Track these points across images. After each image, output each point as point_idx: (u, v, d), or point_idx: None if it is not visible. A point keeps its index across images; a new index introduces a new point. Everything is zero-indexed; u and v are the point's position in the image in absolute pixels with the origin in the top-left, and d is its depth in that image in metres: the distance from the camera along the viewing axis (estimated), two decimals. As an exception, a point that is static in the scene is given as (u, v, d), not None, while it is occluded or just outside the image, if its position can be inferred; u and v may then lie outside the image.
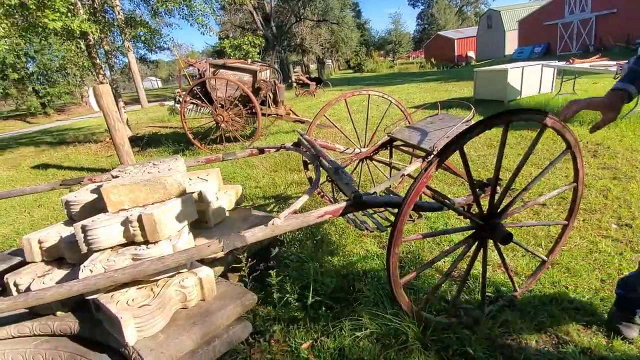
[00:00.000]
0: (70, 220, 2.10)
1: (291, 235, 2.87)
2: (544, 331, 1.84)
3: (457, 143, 1.44)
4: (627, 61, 5.28)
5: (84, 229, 1.65)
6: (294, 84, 14.80)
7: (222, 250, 1.47)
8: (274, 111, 6.51)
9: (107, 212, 1.82)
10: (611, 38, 17.10)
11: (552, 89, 7.91)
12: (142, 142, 7.90)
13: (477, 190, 2.04)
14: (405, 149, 2.86)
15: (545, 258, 2.03)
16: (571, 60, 6.66)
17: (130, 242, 1.74)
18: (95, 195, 2.04)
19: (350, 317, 1.87)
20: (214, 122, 6.47)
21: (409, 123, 3.21)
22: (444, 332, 1.81)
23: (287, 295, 1.94)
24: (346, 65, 46.55)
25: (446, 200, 1.85)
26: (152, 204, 1.87)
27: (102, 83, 7.86)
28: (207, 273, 1.70)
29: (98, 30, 6.86)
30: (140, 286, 1.65)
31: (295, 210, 1.64)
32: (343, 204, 1.63)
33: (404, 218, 1.47)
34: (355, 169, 3.44)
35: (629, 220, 2.72)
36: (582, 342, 1.74)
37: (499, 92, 7.57)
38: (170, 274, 1.65)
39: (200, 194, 2.13)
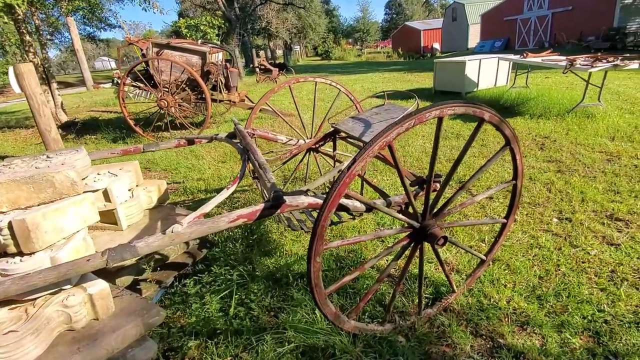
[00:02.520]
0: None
1: (227, 234, 2.63)
2: (480, 335, 1.77)
3: (385, 138, 1.27)
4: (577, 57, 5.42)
5: (-64, 239, 1.33)
6: (257, 70, 14.22)
7: (107, 265, 1.21)
8: (226, 97, 6.10)
9: (-22, 215, 1.50)
10: (564, 35, 17.88)
11: (507, 82, 8.09)
12: (76, 128, 7.16)
13: (416, 187, 1.91)
14: (351, 140, 2.69)
15: (484, 257, 1.95)
16: (525, 55, 6.79)
17: (3, 252, 1.44)
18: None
19: (274, 330, 1.68)
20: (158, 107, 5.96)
21: (358, 113, 3.04)
22: (377, 341, 1.68)
23: (207, 306, 1.72)
24: (314, 52, 45.86)
25: (380, 199, 1.70)
26: (38, 205, 1.57)
27: (32, 62, 7.05)
28: (100, 288, 1.44)
29: (25, 2, 6.06)
30: (13, 306, 1.36)
31: (204, 214, 1.42)
32: (260, 206, 1.42)
33: (324, 223, 1.29)
34: (301, 160, 3.24)
35: (570, 214, 2.74)
36: (517, 345, 1.68)
37: (457, 84, 7.62)
38: (51, 290, 1.38)
39: (106, 191, 1.84)
